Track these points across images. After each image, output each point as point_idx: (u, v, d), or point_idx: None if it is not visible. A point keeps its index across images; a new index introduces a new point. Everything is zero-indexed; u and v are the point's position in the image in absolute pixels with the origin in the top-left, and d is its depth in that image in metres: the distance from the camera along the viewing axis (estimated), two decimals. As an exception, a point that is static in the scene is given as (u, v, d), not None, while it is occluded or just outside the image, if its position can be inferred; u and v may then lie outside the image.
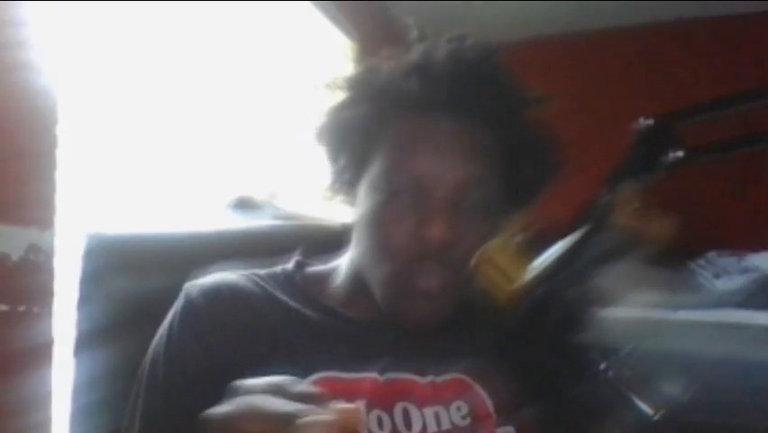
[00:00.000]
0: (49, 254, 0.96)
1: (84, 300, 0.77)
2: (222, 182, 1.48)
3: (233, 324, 0.66)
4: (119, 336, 0.75)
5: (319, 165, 0.76)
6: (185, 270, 0.73)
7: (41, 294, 0.96)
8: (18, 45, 0.93)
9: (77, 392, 0.75)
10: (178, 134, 1.40)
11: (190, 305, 0.67)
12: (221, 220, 0.95)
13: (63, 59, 1.02)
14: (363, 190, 0.71)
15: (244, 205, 1.21)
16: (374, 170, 0.69)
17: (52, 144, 0.99)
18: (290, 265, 0.76)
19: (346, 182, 0.74)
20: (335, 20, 2.09)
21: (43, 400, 0.94)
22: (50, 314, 0.96)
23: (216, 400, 0.62)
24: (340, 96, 0.74)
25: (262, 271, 0.74)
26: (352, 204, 0.74)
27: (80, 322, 0.76)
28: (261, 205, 1.25)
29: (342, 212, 0.80)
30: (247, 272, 0.73)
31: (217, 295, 0.68)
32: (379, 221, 0.68)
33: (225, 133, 1.57)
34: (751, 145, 0.62)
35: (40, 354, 0.94)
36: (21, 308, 0.92)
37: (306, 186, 1.89)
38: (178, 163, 1.39)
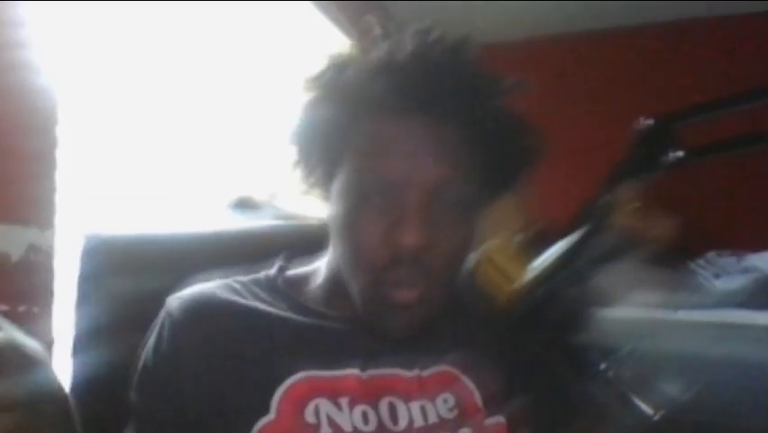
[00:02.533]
0: (49, 254, 0.96)
1: (82, 300, 0.77)
2: (222, 182, 1.48)
3: (213, 336, 0.66)
4: (117, 336, 0.75)
5: (290, 164, 0.75)
6: (183, 270, 0.73)
7: (41, 294, 0.96)
8: (18, 45, 0.93)
9: (75, 392, 0.75)
10: (177, 134, 1.40)
11: (170, 320, 0.67)
12: (220, 221, 0.95)
13: (63, 59, 1.02)
14: (335, 192, 0.69)
15: (244, 205, 1.22)
16: (344, 173, 0.68)
17: (52, 144, 0.99)
18: (273, 270, 0.76)
19: (319, 179, 0.73)
20: (335, 20, 2.09)
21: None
22: (50, 314, 0.96)
23: (203, 410, 0.62)
24: (307, 95, 0.73)
25: (245, 278, 0.74)
26: (326, 202, 0.73)
27: (78, 322, 0.76)
28: (261, 205, 1.25)
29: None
30: (228, 280, 0.72)
31: (197, 308, 0.68)
32: (351, 227, 0.66)
33: (225, 134, 1.57)
34: (751, 145, 0.62)
35: (40, 354, 0.94)
36: (21, 308, 0.92)
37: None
38: (178, 163, 1.39)
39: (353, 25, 2.15)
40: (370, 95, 0.66)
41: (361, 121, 0.67)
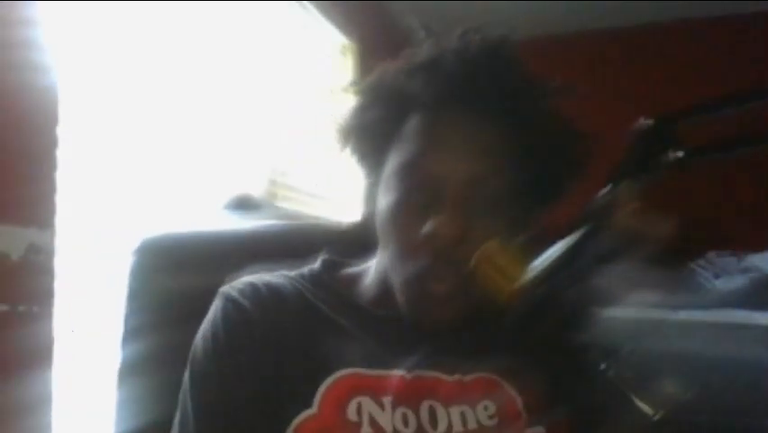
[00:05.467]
0: (49, 254, 0.96)
1: (132, 296, 0.82)
2: (220, 181, 1.48)
3: (272, 320, 0.67)
4: (163, 330, 0.78)
5: (353, 169, 0.77)
6: (226, 268, 0.75)
7: (41, 294, 0.96)
8: (19, 45, 0.93)
9: (122, 383, 0.79)
10: (177, 134, 1.39)
11: (232, 303, 0.68)
12: (261, 220, 0.97)
13: (64, 59, 1.02)
14: (381, 190, 0.71)
15: (243, 204, 1.21)
16: (387, 171, 0.69)
17: (52, 144, 0.99)
18: (317, 265, 0.76)
19: (374, 181, 0.74)
20: (335, 20, 2.09)
21: (43, 401, 0.94)
22: (50, 314, 0.96)
23: (262, 391, 0.63)
24: (357, 99, 0.74)
25: (291, 273, 0.75)
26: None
27: (128, 317, 0.81)
28: (261, 204, 1.25)
29: (349, 211, 0.80)
30: (276, 274, 0.74)
31: (256, 292, 0.69)
32: (393, 222, 0.68)
33: (224, 133, 1.57)
34: (751, 145, 0.62)
35: (40, 354, 0.94)
36: (21, 308, 0.92)
37: (305, 184, 1.89)
38: (178, 163, 1.39)
39: (353, 25, 2.15)
40: (411, 93, 0.68)
41: (402, 119, 0.69)
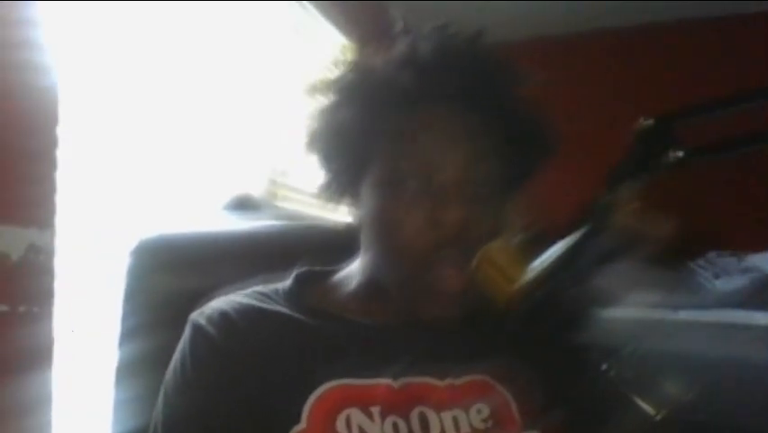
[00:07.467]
0: (49, 254, 0.96)
1: (129, 296, 0.82)
2: (220, 181, 1.48)
3: (243, 344, 0.66)
4: (160, 330, 0.78)
5: (313, 169, 0.76)
6: (224, 268, 0.76)
7: (41, 294, 0.96)
8: (19, 45, 0.93)
9: (120, 383, 0.79)
10: (176, 134, 1.39)
11: (199, 332, 0.67)
12: (260, 220, 0.97)
13: (64, 59, 1.02)
14: (367, 190, 0.70)
15: (242, 204, 1.21)
16: (376, 168, 0.69)
17: (52, 144, 0.99)
18: (290, 280, 0.75)
19: (344, 185, 0.73)
20: (335, 20, 2.09)
21: (43, 401, 0.94)
22: (50, 314, 0.96)
23: (236, 420, 0.62)
24: (327, 99, 0.73)
25: (266, 289, 0.73)
26: (354, 206, 0.73)
27: (125, 317, 0.81)
28: (260, 204, 1.25)
29: (344, 212, 0.80)
30: (249, 291, 0.72)
31: (224, 318, 0.68)
32: (391, 216, 0.67)
33: (224, 133, 1.57)
34: (751, 145, 0.62)
35: (40, 354, 0.94)
36: (21, 308, 0.92)
37: (305, 184, 1.88)
38: (177, 163, 1.39)
39: (352, 25, 2.14)
40: (394, 89, 0.68)
41: (387, 115, 0.69)
